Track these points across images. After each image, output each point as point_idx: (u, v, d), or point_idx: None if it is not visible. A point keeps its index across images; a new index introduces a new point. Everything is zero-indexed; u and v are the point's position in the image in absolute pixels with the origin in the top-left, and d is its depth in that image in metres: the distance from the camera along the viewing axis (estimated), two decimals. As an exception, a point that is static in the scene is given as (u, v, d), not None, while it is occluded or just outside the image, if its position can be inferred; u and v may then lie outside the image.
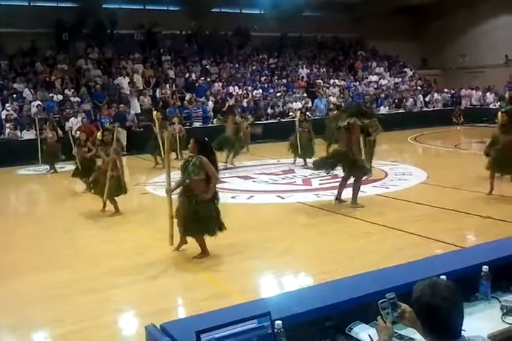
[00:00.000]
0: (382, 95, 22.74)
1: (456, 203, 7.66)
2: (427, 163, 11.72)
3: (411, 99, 22.69)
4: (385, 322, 2.33)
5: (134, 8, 22.80)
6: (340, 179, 8.12)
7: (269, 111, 19.84)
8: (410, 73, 26.39)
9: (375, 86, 24.02)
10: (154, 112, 13.24)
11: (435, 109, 22.94)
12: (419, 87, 24.65)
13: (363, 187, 8.30)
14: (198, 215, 5.45)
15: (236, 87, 20.98)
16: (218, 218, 5.60)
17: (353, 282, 3.22)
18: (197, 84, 20.43)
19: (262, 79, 22.29)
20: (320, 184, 9.68)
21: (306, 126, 12.15)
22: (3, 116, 15.92)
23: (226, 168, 11.81)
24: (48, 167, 13.17)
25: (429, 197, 8.29)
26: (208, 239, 5.72)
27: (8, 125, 15.49)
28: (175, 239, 5.78)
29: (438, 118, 21.31)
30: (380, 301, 2.39)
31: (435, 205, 7.64)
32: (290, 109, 19.99)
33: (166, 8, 23.66)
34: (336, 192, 8.10)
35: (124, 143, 15.02)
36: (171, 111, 16.68)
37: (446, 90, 24.54)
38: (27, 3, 21.13)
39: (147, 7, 23.19)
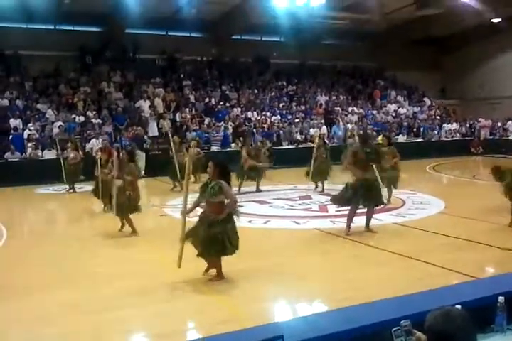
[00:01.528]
0: (405, 123, 22.85)
1: (474, 234, 7.55)
2: (444, 193, 11.63)
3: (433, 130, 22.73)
4: (399, 350, 2.30)
5: (157, 33, 23.32)
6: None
7: (299, 136, 19.95)
8: (429, 102, 26.47)
9: (394, 114, 24.09)
10: (174, 137, 13.40)
11: (453, 138, 22.89)
12: (437, 117, 24.66)
13: (380, 216, 8.24)
14: (214, 236, 5.45)
15: (255, 113, 21.19)
16: (233, 239, 5.58)
17: (368, 309, 3.21)
18: (216, 109, 20.68)
19: (281, 105, 22.52)
20: (336, 211, 9.62)
21: (324, 151, 12.21)
22: (26, 136, 16.24)
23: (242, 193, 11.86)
24: (67, 186, 13.33)
25: (447, 227, 8.19)
26: (223, 263, 5.71)
27: (30, 144, 15.77)
28: (189, 262, 5.78)
29: (456, 148, 21.27)
30: (394, 329, 2.37)
31: (453, 235, 7.54)
32: (308, 135, 20.12)
33: (188, 35, 24.16)
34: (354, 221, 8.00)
35: (143, 165, 15.18)
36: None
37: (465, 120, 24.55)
38: (53, 27, 21.70)
39: (169, 33, 23.72)
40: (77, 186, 13.17)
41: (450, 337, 2.05)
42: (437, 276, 5.70)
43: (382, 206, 8.40)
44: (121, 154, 8.70)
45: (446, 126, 23.48)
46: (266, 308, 5.07)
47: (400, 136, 21.66)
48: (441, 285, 3.75)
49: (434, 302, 2.63)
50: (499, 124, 23.45)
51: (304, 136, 20.27)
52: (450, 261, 6.18)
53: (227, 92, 22.37)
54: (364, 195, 7.67)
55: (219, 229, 5.47)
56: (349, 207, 7.90)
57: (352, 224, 7.98)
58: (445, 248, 6.97)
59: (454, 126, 23.69)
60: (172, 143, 12.71)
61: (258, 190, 12.55)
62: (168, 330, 4.35)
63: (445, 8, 21.52)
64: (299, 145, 19.28)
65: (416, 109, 25.23)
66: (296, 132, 20.46)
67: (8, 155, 15.44)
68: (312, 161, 12.07)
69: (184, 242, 5.71)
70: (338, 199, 8.05)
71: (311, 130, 20.53)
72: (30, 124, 16.80)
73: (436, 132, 22.94)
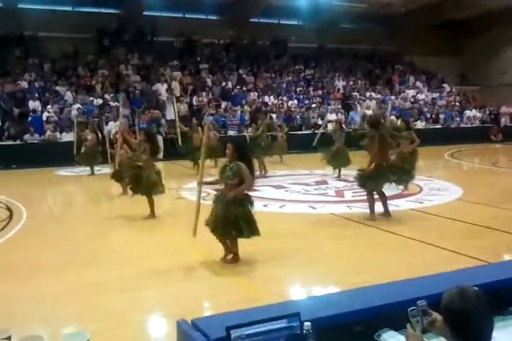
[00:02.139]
0: (424, 109, 22.65)
1: (491, 221, 7.51)
2: (463, 180, 11.55)
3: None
4: (415, 330, 2.32)
5: (174, 16, 23.26)
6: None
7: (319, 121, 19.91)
8: (448, 88, 26.13)
9: (412, 100, 23.85)
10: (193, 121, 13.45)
11: (473, 125, 22.63)
12: (457, 103, 24.37)
13: (397, 202, 8.23)
14: (229, 217, 5.47)
15: (271, 97, 21.11)
16: (250, 222, 5.60)
17: (384, 289, 3.23)
18: (233, 93, 20.64)
19: (298, 90, 22.39)
20: (352, 196, 9.65)
21: (341, 136, 12.16)
22: (45, 118, 16.38)
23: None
24: (85, 169, 13.47)
25: (464, 213, 8.16)
26: (240, 245, 5.76)
27: (48, 126, 15.92)
28: (206, 244, 5.84)
29: (476, 135, 21.05)
30: (410, 309, 2.38)
31: (470, 222, 7.52)
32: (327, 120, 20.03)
33: (206, 17, 24.07)
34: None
35: (162, 149, 15.23)
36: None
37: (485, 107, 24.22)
38: (71, 9, 21.75)
39: (187, 15, 23.65)
40: (95, 168, 13.29)
41: (466, 316, 2.06)
42: (453, 261, 5.69)
43: (398, 192, 8.37)
44: (138, 136, 8.75)
45: (468, 113, 23.19)
46: (281, 289, 5.12)
47: (419, 121, 21.46)
48: (452, 269, 3.75)
49: (451, 284, 2.62)
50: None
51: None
52: (466, 247, 6.17)
53: (244, 76, 22.30)
54: (373, 180, 7.66)
55: (236, 210, 5.49)
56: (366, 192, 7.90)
57: (367, 210, 7.98)
58: (461, 234, 6.96)
59: (474, 112, 23.40)
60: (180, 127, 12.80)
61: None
62: (186, 310, 4.40)
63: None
64: (316, 131, 19.15)
65: (435, 95, 24.95)
66: (314, 117, 20.34)
67: (27, 136, 15.62)
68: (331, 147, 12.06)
69: (199, 212, 5.73)
70: (358, 182, 8.02)
71: (329, 115, 20.40)
72: (49, 106, 16.93)
73: (458, 119, 22.68)
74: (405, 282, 3.39)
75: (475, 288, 2.32)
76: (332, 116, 19.99)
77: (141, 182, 7.92)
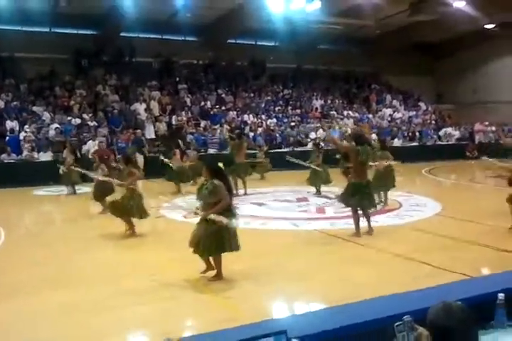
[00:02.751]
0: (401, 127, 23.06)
1: (470, 235, 7.59)
2: (441, 196, 11.68)
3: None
4: (401, 346, 2.32)
5: (153, 37, 23.36)
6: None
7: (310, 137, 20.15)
8: (424, 107, 26.60)
9: (389, 119, 24.20)
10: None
11: (449, 143, 23.02)
12: (433, 121, 24.80)
13: (377, 217, 8.29)
14: (210, 233, 5.51)
15: (251, 116, 21.24)
16: (231, 236, 5.60)
17: (370, 305, 3.22)
18: (212, 112, 20.70)
19: (277, 109, 22.56)
20: (334, 212, 9.68)
21: (318, 156, 12.30)
22: (22, 138, 16.19)
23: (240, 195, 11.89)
24: (64, 188, 13.30)
25: (444, 228, 8.24)
26: (223, 263, 5.72)
27: (26, 146, 15.74)
28: (188, 262, 5.79)
29: (452, 152, 21.37)
30: (397, 324, 2.38)
31: (450, 236, 7.59)
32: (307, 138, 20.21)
33: (184, 38, 24.20)
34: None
35: (141, 167, 15.15)
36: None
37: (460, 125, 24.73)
38: (48, 30, 21.68)
39: (165, 37, 23.76)
40: (76, 188, 13.16)
41: (452, 331, 2.07)
42: (435, 276, 5.72)
43: (375, 209, 8.40)
44: (116, 157, 8.76)
45: (446, 130, 23.60)
46: (266, 307, 5.09)
47: (396, 139, 21.76)
48: (437, 284, 3.77)
49: (435, 299, 2.64)
50: (493, 128, 23.58)
51: (303, 139, 20.32)
52: (447, 261, 6.22)
53: (223, 96, 22.41)
54: (358, 198, 7.70)
55: (216, 226, 5.51)
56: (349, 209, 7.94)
57: (350, 226, 8.02)
58: (442, 249, 7.01)
59: (450, 130, 23.82)
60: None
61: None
62: (168, 329, 4.35)
63: (438, 14, 21.67)
64: (295, 149, 19.29)
65: (411, 114, 25.35)
66: (299, 134, 20.49)
67: (4, 156, 15.40)
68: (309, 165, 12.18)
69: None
70: (341, 200, 8.07)
71: (312, 133, 20.59)
72: (27, 126, 16.76)
73: (435, 136, 23.07)
74: (390, 297, 3.40)
75: (459, 302, 2.34)
76: (313, 135, 20.21)
77: (121, 207, 7.93)
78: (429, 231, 8.04)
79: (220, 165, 5.86)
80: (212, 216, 5.52)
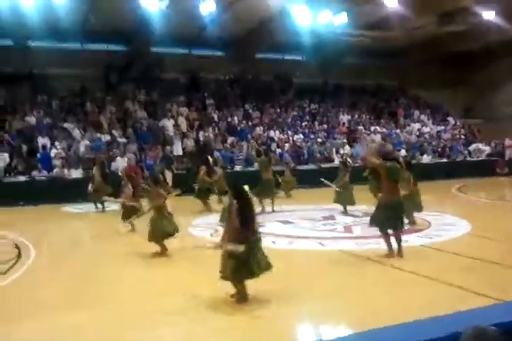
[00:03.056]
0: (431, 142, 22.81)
1: (502, 256, 7.45)
2: (471, 214, 11.48)
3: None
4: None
5: (181, 52, 23.67)
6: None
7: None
8: (453, 122, 26.24)
9: (418, 133, 23.95)
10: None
11: (479, 159, 22.63)
12: (462, 136, 24.45)
13: (406, 237, 8.19)
14: (231, 259, 5.49)
15: (277, 132, 21.25)
16: (252, 262, 5.53)
17: (399, 330, 3.16)
18: (239, 128, 20.80)
19: (303, 124, 22.53)
20: (362, 231, 9.59)
21: (345, 175, 12.13)
22: (53, 155, 16.47)
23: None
24: (94, 205, 13.46)
25: (474, 248, 8.09)
26: (248, 284, 5.71)
27: (57, 163, 16.00)
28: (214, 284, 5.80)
29: (482, 169, 20.99)
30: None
31: (481, 257, 7.44)
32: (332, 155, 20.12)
33: (211, 53, 24.46)
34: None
35: (170, 184, 15.33)
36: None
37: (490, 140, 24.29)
38: (79, 46, 22.16)
39: (193, 52, 24.05)
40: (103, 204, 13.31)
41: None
42: (465, 299, 5.62)
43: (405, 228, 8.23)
44: (144, 174, 8.84)
45: (476, 146, 23.25)
46: (292, 330, 5.07)
47: (425, 155, 21.50)
48: (467, 308, 3.68)
49: (467, 324, 2.56)
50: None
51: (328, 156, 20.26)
52: (477, 284, 6.10)
53: (250, 111, 22.51)
54: (389, 217, 7.56)
55: (240, 254, 5.46)
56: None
57: (377, 246, 7.93)
58: (472, 270, 6.88)
59: (480, 145, 23.45)
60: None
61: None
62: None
63: (468, 24, 21.43)
64: (322, 166, 19.20)
65: (440, 128, 25.05)
66: (320, 152, 20.43)
67: (35, 173, 15.67)
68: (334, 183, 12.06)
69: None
70: (371, 221, 7.90)
71: (340, 149, 20.51)
72: (57, 143, 17.06)
73: (465, 152, 22.73)
74: (420, 322, 3.32)
75: (493, 328, 2.26)
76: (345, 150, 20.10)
77: (156, 232, 7.96)
78: (459, 251, 7.90)
79: (246, 187, 5.73)
80: (221, 243, 5.52)
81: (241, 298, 5.72)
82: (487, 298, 5.55)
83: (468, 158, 22.56)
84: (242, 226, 5.50)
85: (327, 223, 10.78)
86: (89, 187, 13.25)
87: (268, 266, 5.65)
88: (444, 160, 21.91)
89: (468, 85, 28.33)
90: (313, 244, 8.80)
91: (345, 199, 11.89)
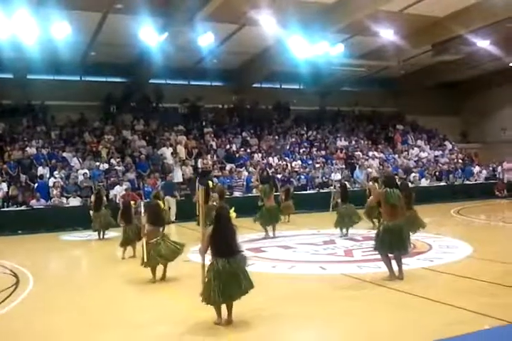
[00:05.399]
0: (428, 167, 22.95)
1: (505, 278, 7.38)
2: (471, 237, 11.42)
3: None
4: None
5: (180, 83, 23.97)
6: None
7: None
8: (450, 146, 26.43)
9: (416, 159, 24.06)
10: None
11: (477, 182, 22.69)
12: (459, 161, 24.56)
13: (407, 260, 8.13)
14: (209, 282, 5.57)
15: (275, 158, 21.34)
16: (213, 284, 5.52)
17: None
18: (237, 155, 20.88)
19: (301, 150, 22.65)
20: (362, 255, 9.53)
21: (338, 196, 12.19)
22: (51, 183, 16.50)
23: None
24: (91, 233, 13.39)
25: (476, 271, 8.01)
26: (248, 309, 5.63)
27: (55, 192, 16.01)
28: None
29: (480, 192, 21.05)
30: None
31: (482, 279, 7.37)
32: (330, 180, 20.13)
33: (210, 84, 24.77)
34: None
35: (174, 211, 15.44)
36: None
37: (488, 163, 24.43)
38: (78, 78, 22.44)
39: (192, 82, 24.36)
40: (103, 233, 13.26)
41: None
42: (469, 322, 5.53)
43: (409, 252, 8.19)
44: (142, 201, 8.86)
45: (471, 170, 23.35)
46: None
47: (423, 179, 21.56)
48: (474, 330, 3.63)
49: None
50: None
51: (326, 181, 20.28)
52: (480, 306, 6.01)
53: (248, 138, 22.65)
54: (390, 242, 7.54)
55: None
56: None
57: (378, 269, 7.87)
58: (475, 292, 6.80)
59: (478, 169, 23.56)
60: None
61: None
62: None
63: (462, 53, 21.77)
64: (321, 190, 19.23)
65: (437, 153, 25.19)
66: (318, 177, 20.45)
67: (33, 202, 15.66)
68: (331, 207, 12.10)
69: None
70: (377, 247, 7.83)
71: (333, 175, 20.53)
72: (56, 172, 17.10)
73: (462, 176, 22.80)
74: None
75: None
76: (337, 176, 20.13)
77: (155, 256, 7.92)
78: (460, 274, 7.83)
79: (233, 214, 5.82)
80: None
81: (230, 319, 5.64)
82: (491, 318, 5.48)
83: (467, 182, 22.59)
84: (212, 247, 5.64)
85: (327, 247, 10.71)
86: (91, 215, 13.22)
87: (241, 291, 5.56)
88: (443, 183, 21.93)
89: (464, 111, 28.79)
90: (314, 268, 8.72)
91: (347, 220, 11.88)
